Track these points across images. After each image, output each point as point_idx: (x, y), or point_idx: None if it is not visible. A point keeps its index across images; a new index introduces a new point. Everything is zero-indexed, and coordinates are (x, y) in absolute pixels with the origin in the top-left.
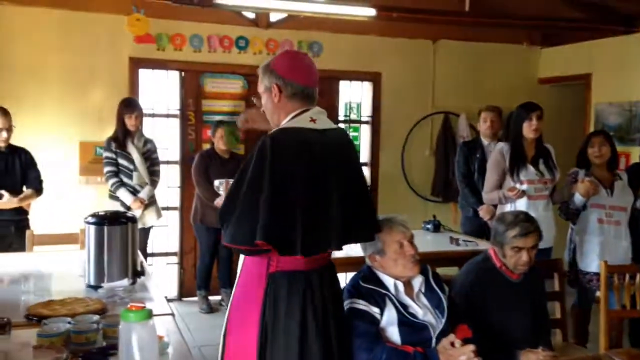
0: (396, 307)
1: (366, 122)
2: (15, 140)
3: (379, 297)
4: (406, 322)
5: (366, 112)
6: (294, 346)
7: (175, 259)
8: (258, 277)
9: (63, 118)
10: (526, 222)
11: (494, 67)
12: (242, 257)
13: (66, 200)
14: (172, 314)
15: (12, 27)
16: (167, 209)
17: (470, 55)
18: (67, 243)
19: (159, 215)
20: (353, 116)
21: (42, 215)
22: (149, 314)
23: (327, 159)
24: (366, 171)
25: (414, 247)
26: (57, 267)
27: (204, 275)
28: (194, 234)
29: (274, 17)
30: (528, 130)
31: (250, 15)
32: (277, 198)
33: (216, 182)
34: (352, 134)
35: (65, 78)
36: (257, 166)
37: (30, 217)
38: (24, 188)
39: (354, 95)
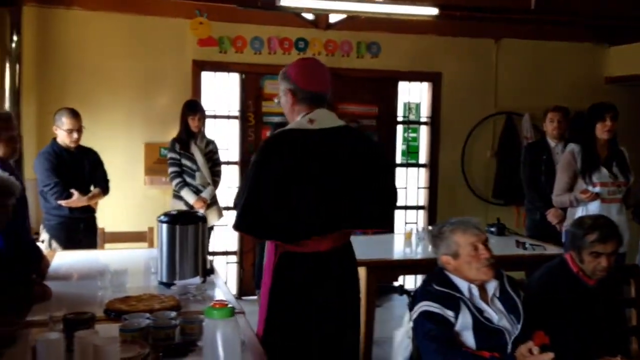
0: (471, 312)
1: (425, 123)
2: (84, 142)
3: (453, 301)
4: (481, 326)
5: (425, 112)
6: (293, 318)
7: (234, 258)
8: (272, 256)
9: (129, 120)
10: (606, 227)
11: (559, 66)
12: None
13: (132, 199)
14: (243, 312)
15: (82, 31)
16: (227, 208)
17: (534, 54)
18: (135, 241)
19: (220, 215)
20: (412, 117)
21: (109, 213)
22: (232, 312)
23: (319, 154)
24: (425, 173)
25: (489, 250)
26: (129, 264)
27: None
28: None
29: (333, 18)
30: (601, 131)
31: (310, 16)
32: (254, 191)
33: None
34: (410, 134)
35: (132, 81)
36: (252, 163)
37: (97, 215)
38: (92, 187)
39: (413, 96)
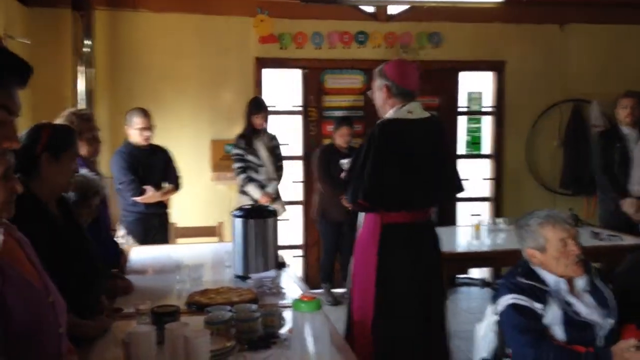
0: (560, 305)
1: (489, 113)
2: (155, 140)
3: (540, 294)
4: (571, 320)
5: (488, 102)
6: (402, 280)
7: (299, 252)
8: (374, 227)
9: (196, 117)
10: None
11: (629, 51)
12: (361, 214)
13: (200, 195)
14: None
15: (150, 33)
16: (291, 203)
17: (602, 38)
18: (205, 236)
19: (284, 209)
20: (474, 107)
21: (178, 209)
22: (320, 304)
23: (417, 140)
24: (489, 164)
25: (579, 246)
26: (204, 258)
27: (328, 268)
28: (317, 228)
29: (393, 10)
30: None
31: (370, 9)
32: (376, 169)
33: (344, 162)
34: (473, 125)
35: (198, 79)
36: (367, 146)
37: (170, 210)
38: (164, 184)
39: (475, 86)
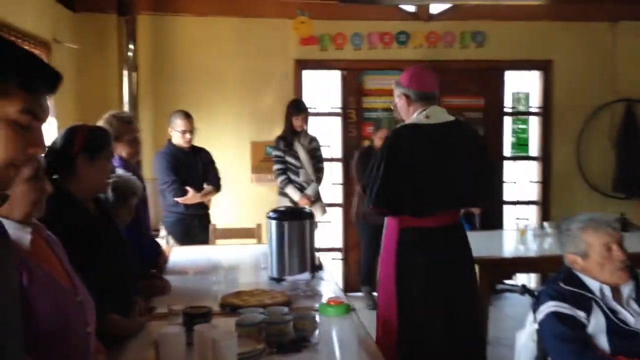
0: (604, 313)
1: (535, 114)
2: (197, 141)
3: (584, 301)
4: (616, 329)
5: (535, 102)
6: (421, 280)
7: (339, 255)
8: (393, 230)
9: (237, 119)
10: None
11: None
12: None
13: (240, 196)
14: (354, 309)
15: (192, 36)
16: (331, 205)
17: None
18: (244, 237)
19: (324, 212)
20: (521, 107)
21: (219, 210)
22: (348, 309)
23: (435, 144)
24: (536, 166)
25: (624, 252)
26: (241, 260)
27: (367, 271)
28: (356, 231)
29: (435, 9)
30: None
31: (411, 8)
32: (385, 174)
33: None
34: (519, 126)
35: (238, 82)
36: (380, 152)
37: (210, 211)
38: (205, 185)
39: (522, 86)
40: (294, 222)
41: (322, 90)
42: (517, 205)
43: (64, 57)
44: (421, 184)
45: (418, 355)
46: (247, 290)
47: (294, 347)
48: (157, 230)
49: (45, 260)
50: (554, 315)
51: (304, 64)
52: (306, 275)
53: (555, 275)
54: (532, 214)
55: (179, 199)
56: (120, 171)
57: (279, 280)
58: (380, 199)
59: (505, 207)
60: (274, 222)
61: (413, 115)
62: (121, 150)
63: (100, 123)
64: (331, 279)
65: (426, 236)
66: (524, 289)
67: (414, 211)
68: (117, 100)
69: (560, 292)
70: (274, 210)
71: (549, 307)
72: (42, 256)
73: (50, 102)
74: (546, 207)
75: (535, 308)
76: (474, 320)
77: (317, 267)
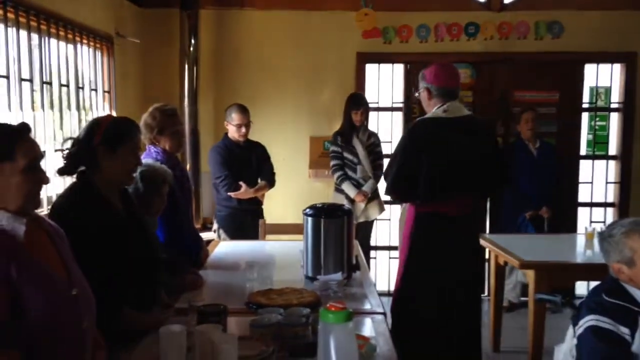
0: None
1: (616, 110)
2: (256, 135)
3: (629, 315)
4: None
5: (616, 98)
6: (429, 265)
7: (397, 254)
8: (410, 215)
9: (295, 114)
10: None
11: None
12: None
13: (297, 192)
14: (384, 313)
15: (253, 30)
16: (390, 202)
17: None
18: (295, 233)
19: (382, 209)
20: (600, 103)
21: (275, 206)
22: (349, 316)
23: (448, 137)
24: (615, 166)
25: None
26: (282, 256)
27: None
28: None
29: None
30: None
31: None
32: (403, 164)
33: None
34: (598, 123)
35: (298, 76)
36: (399, 142)
37: (264, 207)
38: (259, 180)
39: (602, 79)
40: (331, 219)
41: (385, 84)
42: (593, 207)
43: (127, 51)
44: (435, 172)
45: (407, 332)
46: (277, 289)
47: (308, 351)
48: (211, 223)
49: (41, 251)
50: (593, 330)
51: (366, 57)
52: (337, 276)
53: (599, 285)
54: (609, 216)
55: (232, 194)
56: (149, 161)
57: (312, 279)
58: (395, 186)
59: (580, 210)
60: (310, 219)
61: (433, 109)
62: (164, 143)
63: (145, 116)
64: (370, 281)
65: (440, 222)
66: (564, 300)
67: (426, 197)
68: (178, 94)
69: (601, 304)
70: (311, 207)
71: (588, 320)
72: (38, 247)
73: (112, 96)
74: (624, 209)
75: (575, 321)
76: (473, 310)
77: (354, 267)
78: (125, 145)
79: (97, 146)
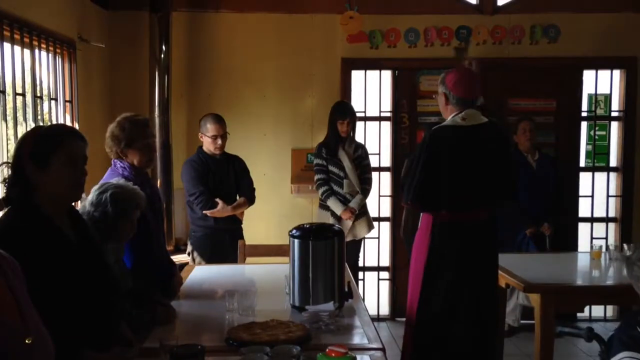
0: None
1: (617, 119)
2: (232, 148)
3: None
4: None
5: (617, 106)
6: (448, 274)
7: (387, 275)
8: (427, 226)
9: (276, 124)
10: None
11: None
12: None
13: (279, 209)
14: (383, 349)
15: (230, 34)
16: (379, 219)
17: None
18: (277, 255)
19: (371, 227)
20: (599, 111)
21: (256, 225)
22: None
23: (469, 146)
24: (616, 178)
25: None
26: (265, 282)
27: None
28: (406, 249)
29: (501, 1)
30: None
31: (473, 0)
32: (422, 172)
33: None
34: (598, 132)
35: (278, 84)
36: (418, 150)
37: (243, 226)
38: (237, 196)
39: (601, 86)
40: (320, 241)
41: (372, 91)
42: (594, 223)
43: (91, 57)
44: (457, 182)
45: (429, 348)
46: (261, 322)
47: None
48: (185, 245)
49: None
50: None
51: (351, 63)
52: (329, 306)
53: (631, 316)
54: (610, 233)
55: (208, 212)
56: (121, 181)
57: (300, 309)
58: (419, 196)
59: (581, 225)
60: (296, 242)
61: (449, 116)
62: (133, 157)
63: (112, 126)
64: (363, 310)
65: (459, 231)
66: (591, 334)
67: (451, 207)
68: (147, 103)
69: (634, 338)
70: (298, 227)
71: (623, 358)
72: None
73: (74, 106)
74: (627, 225)
75: (604, 357)
76: (494, 319)
77: (346, 295)
78: (56, 158)
79: (26, 164)
